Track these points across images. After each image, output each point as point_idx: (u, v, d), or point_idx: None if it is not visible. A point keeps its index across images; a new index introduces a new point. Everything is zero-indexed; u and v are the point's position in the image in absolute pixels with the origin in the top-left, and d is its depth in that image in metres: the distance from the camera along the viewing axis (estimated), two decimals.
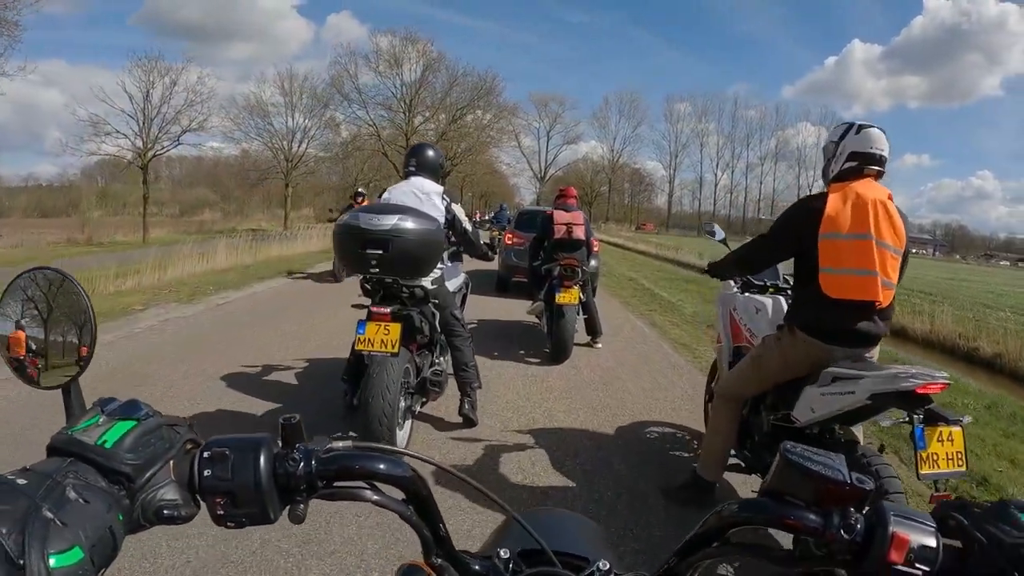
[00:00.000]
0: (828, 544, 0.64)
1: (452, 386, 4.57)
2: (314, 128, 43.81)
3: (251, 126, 42.37)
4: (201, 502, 0.68)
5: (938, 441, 2.52)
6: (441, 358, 4.60)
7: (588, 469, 3.96)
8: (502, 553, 0.82)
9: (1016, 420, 6.04)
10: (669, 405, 5.42)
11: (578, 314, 6.99)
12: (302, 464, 0.69)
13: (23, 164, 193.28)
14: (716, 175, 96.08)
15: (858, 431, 3.05)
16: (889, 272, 2.76)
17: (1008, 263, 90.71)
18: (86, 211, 43.93)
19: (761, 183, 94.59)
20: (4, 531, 0.50)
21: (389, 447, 0.75)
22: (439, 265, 4.13)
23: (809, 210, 2.86)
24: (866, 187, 2.80)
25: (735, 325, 3.80)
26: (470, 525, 3.18)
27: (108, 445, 0.63)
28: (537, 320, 7.91)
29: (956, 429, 2.55)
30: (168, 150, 35.70)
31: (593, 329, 7.56)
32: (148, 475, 0.65)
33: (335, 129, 46.28)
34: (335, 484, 0.72)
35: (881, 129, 2.89)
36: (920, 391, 2.47)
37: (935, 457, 2.51)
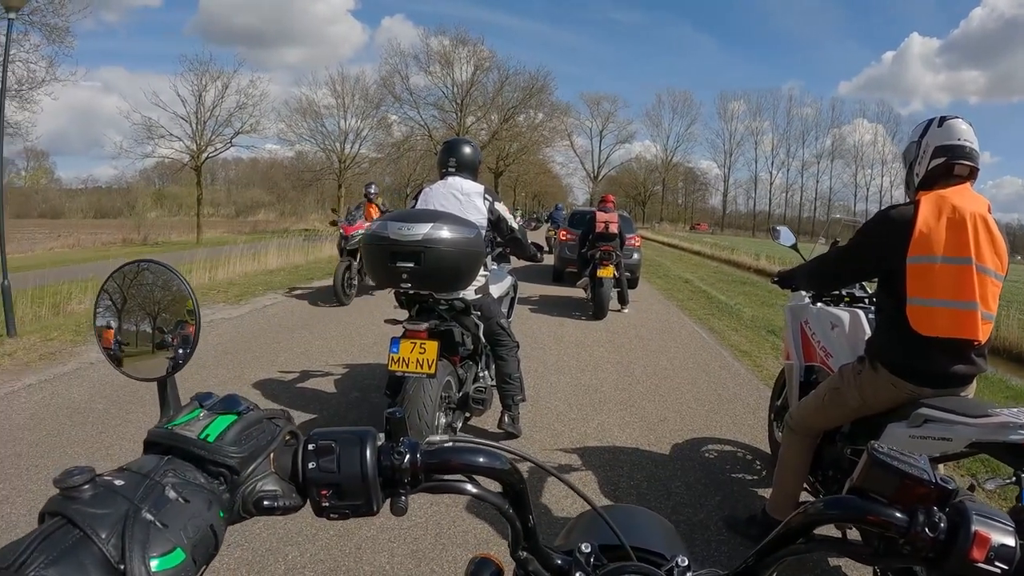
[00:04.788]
0: (912, 542, 0.65)
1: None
2: (366, 129, 44.42)
3: (304, 128, 43.11)
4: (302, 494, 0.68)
5: None
6: (486, 371, 4.31)
7: (644, 491, 3.69)
8: (583, 547, 0.81)
9: None
10: (729, 419, 5.08)
11: (614, 287, 9.85)
12: (408, 457, 0.69)
13: (83, 167, 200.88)
14: (771, 174, 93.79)
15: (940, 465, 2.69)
16: (990, 303, 2.38)
17: None
18: (142, 212, 45.21)
19: (817, 182, 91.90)
20: (103, 536, 0.50)
21: (486, 442, 0.76)
22: (482, 272, 3.84)
23: (895, 225, 2.46)
24: (962, 197, 2.40)
25: (807, 341, 3.45)
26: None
27: (211, 439, 0.63)
28: (584, 292, 10.47)
29: None
30: (221, 152, 36.73)
31: (622, 299, 10.40)
32: (251, 468, 0.64)
33: (387, 130, 46.85)
34: (435, 477, 0.72)
35: (967, 121, 2.50)
36: None
37: None
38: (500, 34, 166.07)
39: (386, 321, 4.05)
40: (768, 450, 4.21)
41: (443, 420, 3.64)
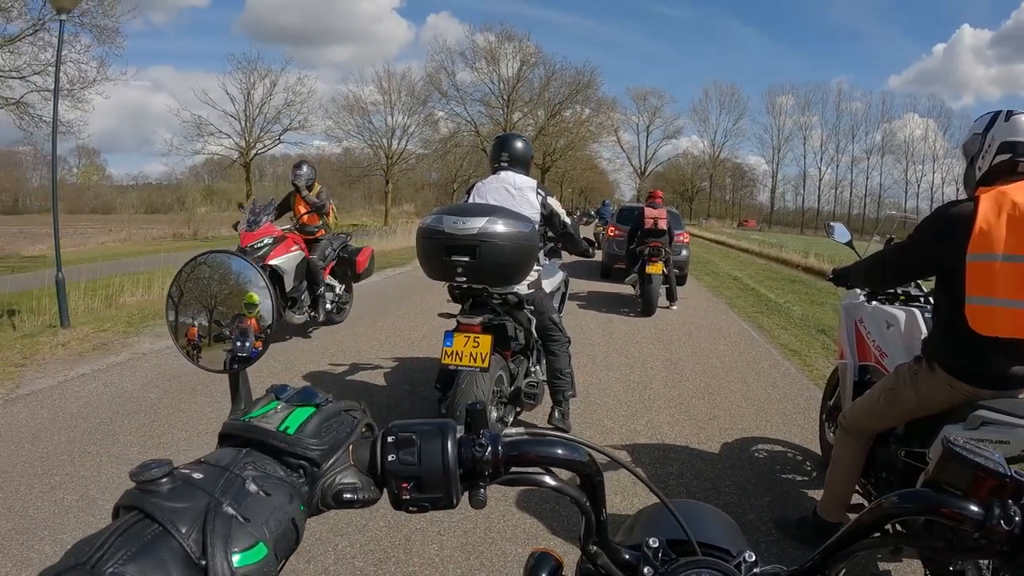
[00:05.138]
0: (987, 535, 0.65)
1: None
2: (413, 125, 44.74)
3: (351, 125, 43.64)
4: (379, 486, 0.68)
5: None
6: (537, 366, 4.32)
7: (693, 489, 3.69)
8: (651, 542, 0.81)
9: None
10: (780, 419, 5.03)
11: (663, 283, 9.75)
12: (489, 449, 0.69)
13: (134, 164, 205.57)
14: (820, 170, 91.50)
15: None
16: None
17: None
18: (191, 208, 46.12)
19: (867, 178, 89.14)
20: (183, 530, 0.49)
21: (561, 434, 0.74)
22: (534, 267, 3.83)
23: (954, 221, 2.40)
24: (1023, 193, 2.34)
25: (861, 340, 3.39)
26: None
27: (291, 431, 0.63)
28: (633, 288, 10.41)
29: None
30: (269, 148, 37.36)
31: (671, 296, 10.31)
32: (332, 461, 0.64)
33: (434, 126, 47.11)
34: (513, 470, 0.72)
35: None
36: None
37: None
38: (545, 30, 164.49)
39: (440, 315, 4.09)
40: (819, 451, 4.16)
41: (495, 414, 3.67)
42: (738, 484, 3.79)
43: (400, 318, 8.50)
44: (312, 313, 7.12)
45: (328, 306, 7.30)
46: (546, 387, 4.24)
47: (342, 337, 7.23)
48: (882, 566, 2.91)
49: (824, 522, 2.99)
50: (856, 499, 3.06)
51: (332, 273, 7.50)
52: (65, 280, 7.32)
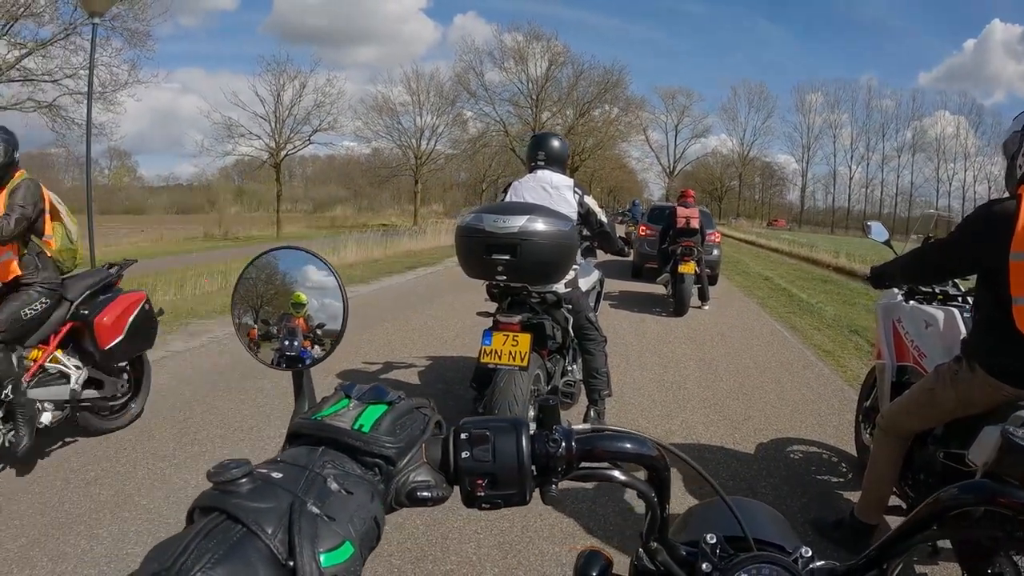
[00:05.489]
0: None
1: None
2: (442, 125, 44.95)
3: (380, 125, 43.93)
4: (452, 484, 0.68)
5: None
6: (574, 364, 4.33)
7: (729, 490, 3.68)
8: (708, 538, 0.81)
9: None
10: (814, 420, 5.01)
11: (695, 283, 9.65)
12: (563, 444, 0.68)
13: (165, 165, 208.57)
14: (850, 168, 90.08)
15: None
16: None
17: None
18: (222, 208, 46.65)
19: (898, 176, 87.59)
20: (269, 531, 0.48)
21: (629, 430, 0.75)
22: (572, 266, 3.85)
23: (996, 220, 2.37)
24: None
25: (899, 339, 3.36)
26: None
27: (366, 429, 0.63)
28: (665, 288, 10.23)
29: None
30: (299, 149, 37.80)
31: (703, 296, 10.22)
32: (407, 458, 0.64)
33: (462, 126, 47.25)
34: (584, 465, 0.71)
35: None
36: None
37: None
38: (572, 29, 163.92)
39: (478, 314, 4.11)
40: (855, 453, 4.14)
41: (531, 414, 3.65)
42: (774, 485, 3.80)
43: (432, 316, 8.57)
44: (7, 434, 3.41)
45: (47, 418, 3.63)
46: (582, 386, 4.25)
47: (374, 336, 7.29)
48: (919, 569, 2.90)
49: (861, 524, 2.97)
50: (894, 501, 3.03)
51: (70, 346, 3.89)
52: None
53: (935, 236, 3.47)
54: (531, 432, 0.69)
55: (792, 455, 4.29)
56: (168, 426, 4.30)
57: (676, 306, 9.49)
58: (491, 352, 3.49)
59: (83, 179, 8.19)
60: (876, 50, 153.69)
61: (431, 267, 14.45)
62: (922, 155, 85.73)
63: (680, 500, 3.17)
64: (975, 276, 2.62)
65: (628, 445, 0.73)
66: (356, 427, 0.63)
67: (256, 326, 0.83)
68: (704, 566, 0.78)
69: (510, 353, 3.46)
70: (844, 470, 4.06)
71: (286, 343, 0.81)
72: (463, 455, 0.66)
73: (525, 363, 3.45)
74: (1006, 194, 2.52)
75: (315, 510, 0.51)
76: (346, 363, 5.95)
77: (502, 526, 3.14)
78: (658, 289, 11.03)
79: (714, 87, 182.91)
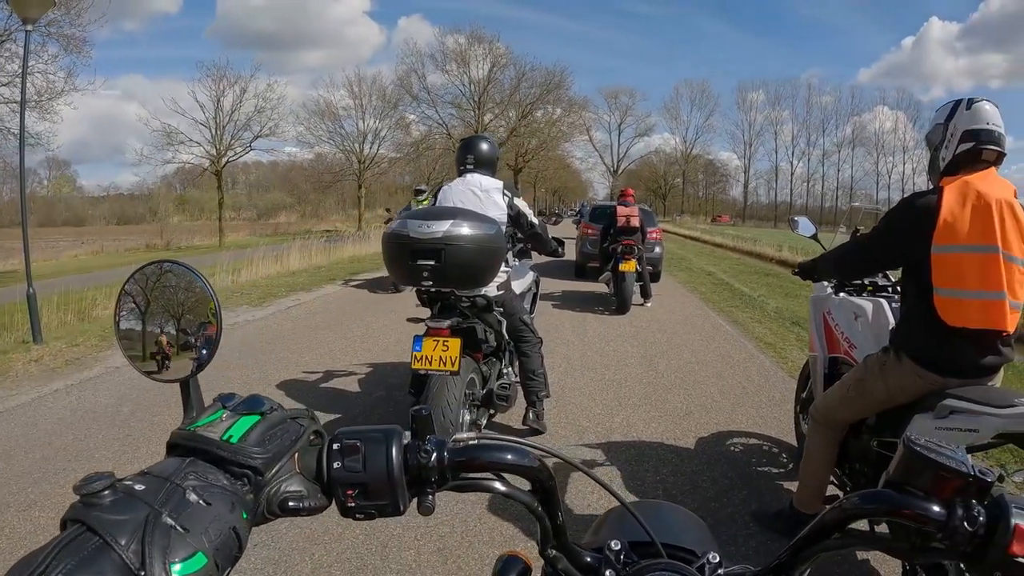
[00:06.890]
0: (950, 536, 0.64)
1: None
2: (385, 129, 44.64)
3: (323, 130, 43.39)
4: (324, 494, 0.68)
5: None
6: (510, 367, 4.31)
7: (670, 486, 3.67)
8: (613, 544, 0.80)
9: None
10: (755, 412, 5.05)
11: (637, 281, 9.82)
12: (435, 455, 0.68)
13: (105, 175, 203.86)
14: (792, 164, 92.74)
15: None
16: (1017, 291, 2.31)
17: None
18: (164, 217, 45.78)
19: (839, 170, 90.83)
20: (123, 543, 0.49)
21: (514, 439, 0.74)
22: (503, 268, 3.82)
23: (918, 213, 2.40)
24: (987, 183, 2.33)
25: (829, 331, 3.40)
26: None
27: (234, 440, 0.62)
28: (607, 287, 10.37)
29: None
30: (240, 156, 37.10)
31: (645, 293, 10.32)
32: (276, 469, 0.63)
33: (405, 129, 47.03)
34: (462, 476, 0.71)
35: (994, 103, 2.42)
36: None
37: None
38: (517, 28, 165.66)
39: (408, 320, 4.07)
40: (795, 443, 4.16)
41: (467, 417, 3.64)
42: (715, 479, 3.79)
43: (373, 323, 8.44)
44: None
45: None
46: (520, 388, 4.22)
47: (315, 344, 7.16)
48: (860, 555, 2.92)
49: (800, 514, 2.99)
50: (831, 490, 3.06)
51: None
52: (36, 295, 7.20)
53: (862, 229, 3.53)
54: (405, 443, 0.68)
55: (733, 448, 4.30)
56: (108, 445, 4.13)
57: (618, 304, 9.57)
58: (422, 358, 3.46)
59: (20, 190, 7.86)
60: (818, 48, 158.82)
61: (375, 272, 14.26)
62: (862, 149, 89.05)
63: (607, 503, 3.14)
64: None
65: (508, 456, 0.72)
66: (225, 437, 0.62)
67: (176, 335, 0.81)
68: (607, 573, 0.78)
69: (440, 358, 3.43)
70: (785, 460, 4.09)
71: (203, 352, 0.80)
72: (335, 465, 0.66)
73: (456, 368, 3.42)
74: (930, 186, 2.54)
75: (169, 521, 0.52)
76: (287, 373, 5.84)
77: (441, 531, 3.11)
78: (600, 288, 11.09)
79: (658, 86, 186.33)
